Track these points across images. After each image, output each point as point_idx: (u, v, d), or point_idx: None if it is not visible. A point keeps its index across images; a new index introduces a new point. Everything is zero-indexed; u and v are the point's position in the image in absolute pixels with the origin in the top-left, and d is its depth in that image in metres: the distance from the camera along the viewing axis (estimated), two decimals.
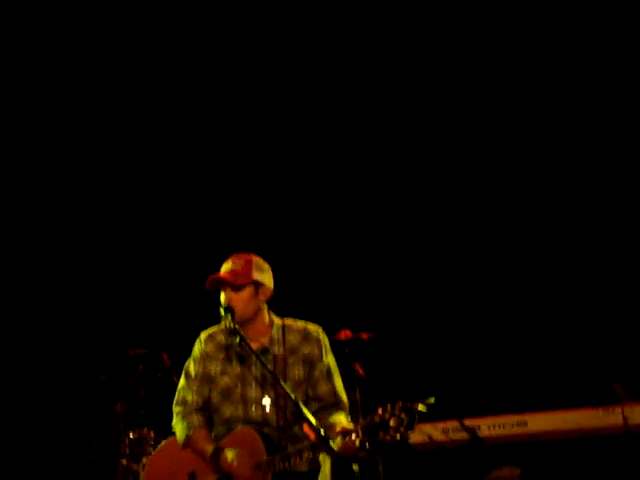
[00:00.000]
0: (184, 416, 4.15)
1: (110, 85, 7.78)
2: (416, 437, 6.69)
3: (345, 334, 6.78)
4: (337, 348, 6.73)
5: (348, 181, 7.75)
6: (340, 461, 3.74)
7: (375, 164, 7.72)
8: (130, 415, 6.80)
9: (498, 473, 6.42)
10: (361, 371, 6.77)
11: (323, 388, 4.12)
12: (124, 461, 6.56)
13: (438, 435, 6.70)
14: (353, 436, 3.66)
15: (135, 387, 6.82)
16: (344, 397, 4.19)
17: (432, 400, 3.67)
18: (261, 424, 4.04)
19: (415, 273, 7.59)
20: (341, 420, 3.89)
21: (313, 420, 3.68)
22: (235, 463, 3.89)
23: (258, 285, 4.10)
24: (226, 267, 4.08)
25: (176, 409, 4.22)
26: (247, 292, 4.06)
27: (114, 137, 7.77)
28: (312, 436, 3.70)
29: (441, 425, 6.71)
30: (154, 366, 6.71)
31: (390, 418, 3.63)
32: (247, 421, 4.05)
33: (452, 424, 6.69)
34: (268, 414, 4.06)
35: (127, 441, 6.59)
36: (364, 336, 6.82)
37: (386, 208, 7.69)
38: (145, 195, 7.84)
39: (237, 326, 3.96)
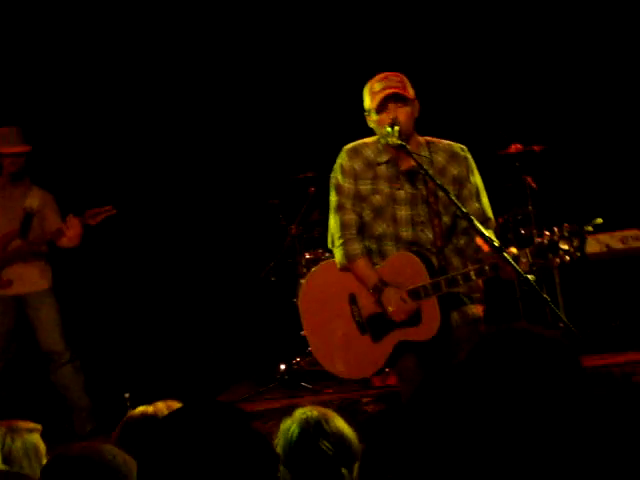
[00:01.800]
0: (347, 240, 4.06)
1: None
2: (593, 247, 6.53)
3: (515, 147, 6.61)
4: (507, 162, 6.63)
5: None
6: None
7: None
8: (305, 237, 7.00)
9: None
10: (533, 184, 6.62)
11: (472, 207, 4.00)
12: (303, 280, 6.80)
13: (616, 244, 6.52)
14: (523, 259, 3.61)
15: (308, 209, 6.98)
16: (491, 214, 4.09)
17: (599, 221, 3.57)
18: (411, 243, 4.01)
19: (586, 81, 7.19)
20: (491, 237, 3.78)
21: (486, 232, 3.63)
22: (393, 302, 3.90)
23: (413, 102, 4.01)
24: (386, 83, 3.94)
25: (337, 233, 4.11)
26: (410, 108, 3.97)
27: None
28: (486, 248, 3.67)
29: (619, 234, 6.52)
30: (324, 188, 6.78)
31: (559, 240, 3.56)
32: (398, 239, 4.01)
33: (631, 232, 6.48)
34: (419, 234, 4.02)
35: (304, 262, 6.82)
36: (536, 148, 6.63)
37: None
38: None
39: (404, 142, 3.88)
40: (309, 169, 6.96)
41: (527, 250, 3.64)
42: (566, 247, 3.54)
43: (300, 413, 2.51)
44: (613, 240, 6.50)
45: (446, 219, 4.02)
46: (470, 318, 4.02)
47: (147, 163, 7.72)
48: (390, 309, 3.93)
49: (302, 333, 4.57)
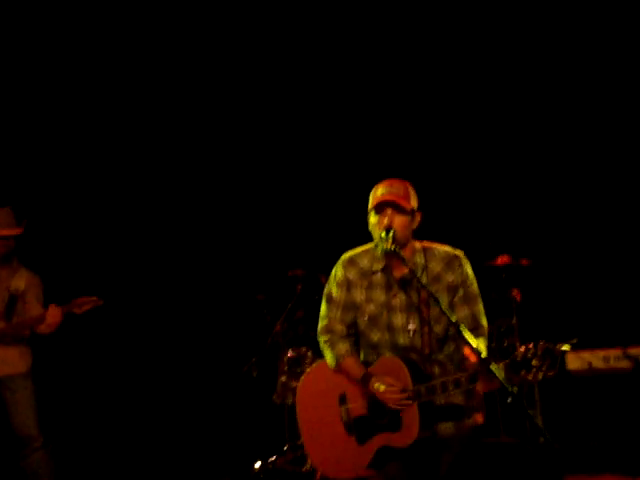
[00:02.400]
0: (331, 344, 4.21)
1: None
2: (575, 363, 6.56)
3: (502, 260, 6.69)
4: (494, 274, 6.70)
5: None
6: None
7: None
8: (289, 334, 6.99)
9: None
10: (518, 297, 6.67)
11: (461, 313, 4.06)
12: (283, 378, 6.78)
13: (598, 363, 6.54)
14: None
15: (294, 307, 6.99)
16: (484, 322, 4.11)
17: (575, 341, 3.60)
18: (408, 350, 4.06)
19: (579, 198, 7.33)
20: (479, 346, 3.80)
21: (474, 342, 3.64)
22: (382, 389, 3.95)
23: (414, 212, 4.09)
24: (387, 190, 4.04)
25: (322, 338, 4.27)
26: (408, 217, 4.05)
27: None
28: (473, 358, 3.69)
29: (602, 353, 6.54)
30: (312, 287, 6.82)
31: (532, 358, 3.58)
32: (394, 347, 4.07)
33: (614, 352, 6.50)
34: (414, 340, 4.07)
35: (286, 359, 6.80)
36: (523, 262, 6.70)
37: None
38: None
39: (397, 248, 3.95)
40: (298, 266, 7.00)
41: (501, 364, 3.66)
42: (538, 364, 3.56)
43: None
44: (595, 358, 6.51)
45: (438, 328, 4.06)
46: (465, 428, 4.02)
47: (136, 247, 7.75)
48: (381, 390, 3.95)
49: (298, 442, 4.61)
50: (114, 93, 7.74)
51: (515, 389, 3.50)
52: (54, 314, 5.75)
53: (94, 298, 5.82)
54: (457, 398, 4.02)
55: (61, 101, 7.64)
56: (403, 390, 3.92)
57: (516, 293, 6.67)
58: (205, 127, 7.92)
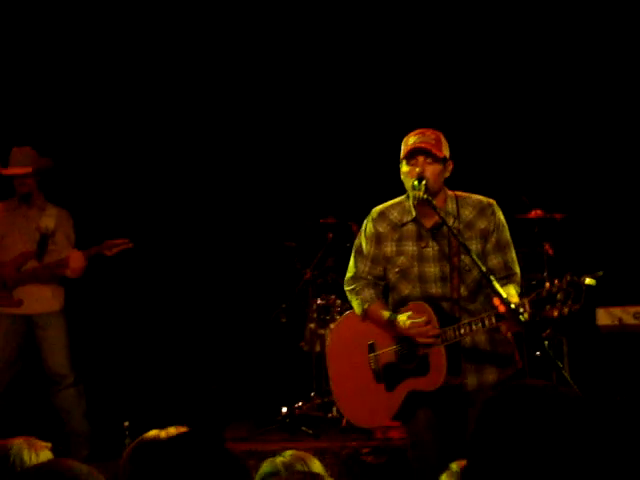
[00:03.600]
0: (358, 292, 4.22)
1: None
2: (605, 319, 6.53)
3: (536, 213, 6.64)
4: (526, 227, 6.65)
5: None
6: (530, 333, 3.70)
7: None
8: (318, 282, 7.02)
9: None
10: (550, 251, 6.63)
11: (494, 260, 4.04)
12: (312, 325, 6.82)
13: (629, 319, 6.50)
14: (521, 310, 3.62)
15: (324, 255, 7.00)
16: (517, 269, 4.09)
17: (600, 273, 3.59)
18: (440, 299, 4.05)
19: (611, 153, 7.23)
20: (510, 292, 3.78)
21: (503, 292, 3.63)
22: (408, 323, 3.95)
23: (446, 160, 4.06)
24: (419, 138, 4.00)
25: (348, 287, 4.28)
26: (440, 166, 4.01)
27: None
28: (502, 309, 3.66)
29: (632, 309, 6.50)
30: (343, 235, 6.83)
31: (557, 292, 3.58)
32: (426, 298, 4.05)
33: None
34: (445, 290, 4.05)
35: (315, 307, 6.84)
36: (557, 216, 6.65)
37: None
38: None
39: (429, 197, 3.93)
40: (329, 214, 7.00)
41: (526, 300, 3.65)
42: (563, 298, 3.56)
43: (279, 456, 2.56)
44: (626, 314, 6.48)
45: (470, 277, 4.03)
46: (487, 384, 4.03)
47: (165, 197, 7.78)
48: (407, 324, 3.96)
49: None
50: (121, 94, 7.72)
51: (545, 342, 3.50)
52: (76, 259, 5.80)
53: (125, 240, 5.86)
54: (484, 337, 4.03)
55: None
56: (428, 322, 3.93)
57: (548, 247, 6.63)
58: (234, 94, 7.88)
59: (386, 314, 4.10)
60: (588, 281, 3.54)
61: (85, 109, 7.64)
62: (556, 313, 3.60)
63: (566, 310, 3.59)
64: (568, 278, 3.58)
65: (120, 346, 7.47)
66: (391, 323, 4.06)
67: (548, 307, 3.59)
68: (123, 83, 7.69)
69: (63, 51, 7.50)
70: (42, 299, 6.00)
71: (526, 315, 3.61)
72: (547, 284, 3.63)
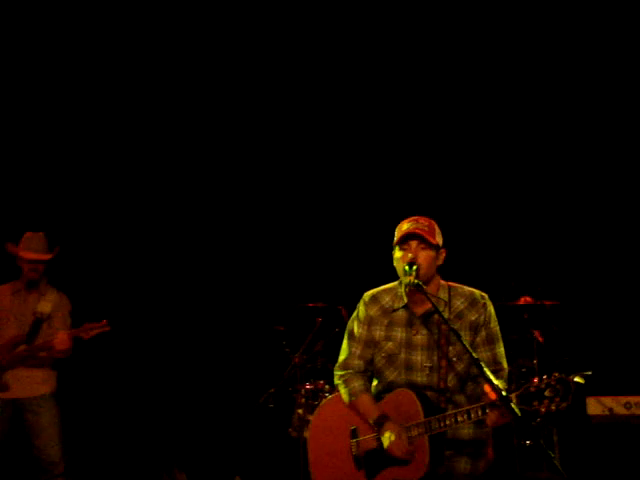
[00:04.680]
0: (346, 380, 4.24)
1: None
2: (595, 409, 6.49)
3: (525, 300, 6.66)
4: (515, 313, 6.66)
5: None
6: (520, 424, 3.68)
7: None
8: (307, 367, 6.96)
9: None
10: (540, 338, 6.63)
11: (483, 354, 4.05)
12: (300, 411, 6.74)
13: (620, 409, 6.47)
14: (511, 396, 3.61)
15: (313, 339, 6.97)
16: (505, 364, 4.10)
17: (589, 372, 3.59)
18: (425, 388, 4.04)
19: (608, 242, 7.30)
20: (499, 385, 3.79)
21: (494, 380, 3.61)
22: (392, 438, 3.93)
23: (439, 248, 4.09)
24: (414, 224, 4.05)
25: (338, 372, 4.30)
26: (433, 253, 4.04)
27: None
28: (493, 396, 3.64)
29: (623, 399, 6.47)
30: (332, 320, 6.82)
31: (546, 388, 3.57)
32: (410, 386, 4.05)
33: (636, 399, 6.43)
34: (432, 378, 4.05)
35: (303, 392, 6.77)
36: (546, 303, 6.67)
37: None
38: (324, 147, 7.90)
39: (420, 282, 3.94)
40: (319, 299, 7.00)
41: (513, 395, 3.64)
42: (551, 395, 3.55)
43: None
44: (617, 404, 6.44)
45: (459, 366, 4.04)
46: (460, 474, 4.00)
47: (158, 278, 7.79)
48: (387, 443, 3.94)
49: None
50: (125, 101, 7.79)
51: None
52: (61, 340, 5.78)
53: (103, 323, 5.84)
54: (467, 431, 4.02)
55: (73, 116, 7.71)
56: (413, 426, 3.90)
57: (538, 334, 6.63)
58: (216, 152, 7.96)
59: (374, 412, 4.07)
60: (577, 379, 3.55)
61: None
62: (543, 409, 3.59)
63: (553, 407, 3.58)
64: (557, 375, 3.59)
65: (113, 426, 7.38)
66: (378, 425, 4.02)
67: (536, 403, 3.59)
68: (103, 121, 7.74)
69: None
70: (33, 383, 5.94)
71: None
72: (535, 379, 3.64)
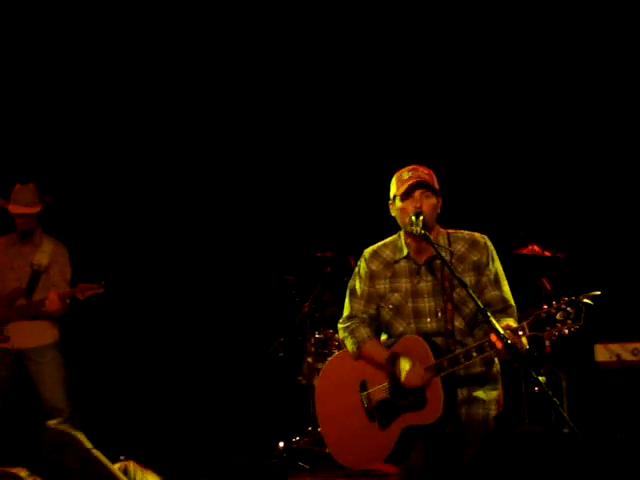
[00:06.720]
0: (352, 330, 4.16)
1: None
2: (603, 356, 6.53)
3: (533, 249, 6.65)
4: (523, 261, 6.66)
5: None
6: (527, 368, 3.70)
7: None
8: (316, 316, 7.01)
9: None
10: (548, 286, 6.63)
11: (491, 294, 4.01)
12: (310, 359, 6.81)
13: (627, 355, 6.50)
14: (520, 333, 3.62)
15: (322, 289, 7.00)
16: (512, 301, 4.07)
17: (597, 293, 3.60)
18: (434, 335, 4.02)
19: (612, 192, 7.27)
20: (509, 323, 3.78)
21: (500, 329, 3.61)
22: (408, 367, 3.92)
23: (439, 195, 4.08)
24: (415, 173, 4.00)
25: (342, 325, 4.23)
26: (435, 200, 4.02)
27: None
28: (499, 345, 3.64)
29: (631, 345, 6.50)
30: (341, 269, 6.83)
31: (557, 312, 3.59)
32: (420, 334, 4.02)
33: None
34: (440, 324, 4.02)
35: (313, 340, 6.83)
36: (554, 253, 6.66)
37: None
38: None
39: (426, 232, 3.91)
40: (328, 248, 7.02)
41: (525, 323, 3.65)
42: (563, 317, 3.57)
43: None
44: (624, 351, 6.48)
45: (466, 310, 4.01)
46: (476, 419, 3.99)
47: (162, 227, 7.80)
48: (404, 375, 3.94)
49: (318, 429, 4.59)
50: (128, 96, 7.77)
51: (543, 379, 3.50)
52: (52, 302, 5.81)
53: (97, 285, 5.85)
54: (479, 370, 3.99)
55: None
56: (425, 369, 3.89)
57: (546, 282, 6.62)
58: (232, 114, 7.92)
59: (385, 353, 4.03)
60: (586, 300, 3.56)
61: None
62: (556, 333, 3.60)
63: (566, 331, 3.59)
64: (566, 299, 3.60)
65: (118, 376, 7.44)
66: (392, 362, 4.00)
67: (548, 328, 3.60)
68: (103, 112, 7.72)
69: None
70: (35, 333, 5.97)
71: (524, 340, 3.62)
72: (545, 306, 3.65)
